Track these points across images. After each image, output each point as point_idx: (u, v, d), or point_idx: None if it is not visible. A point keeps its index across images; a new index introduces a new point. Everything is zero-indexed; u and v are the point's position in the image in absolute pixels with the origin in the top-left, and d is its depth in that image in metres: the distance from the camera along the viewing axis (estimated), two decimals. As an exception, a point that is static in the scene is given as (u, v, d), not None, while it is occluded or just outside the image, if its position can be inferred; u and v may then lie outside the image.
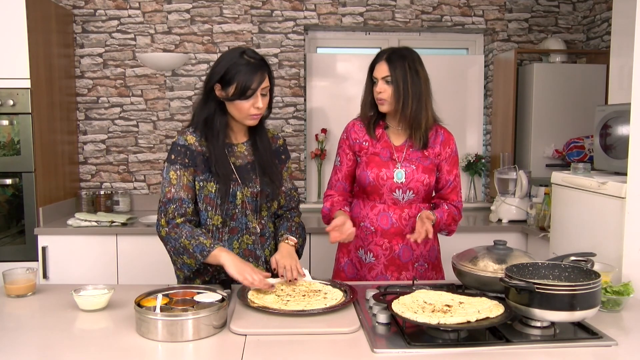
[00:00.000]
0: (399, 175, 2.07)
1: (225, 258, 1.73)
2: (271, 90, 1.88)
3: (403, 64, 2.02)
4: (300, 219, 2.08)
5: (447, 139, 2.16)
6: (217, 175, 1.83)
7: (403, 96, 2.02)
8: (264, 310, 1.59)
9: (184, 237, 1.78)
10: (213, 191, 1.85)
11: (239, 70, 1.78)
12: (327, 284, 1.83)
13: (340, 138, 2.23)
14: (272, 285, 1.73)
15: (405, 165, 2.09)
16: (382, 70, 2.04)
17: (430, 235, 1.95)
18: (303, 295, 1.71)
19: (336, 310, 1.61)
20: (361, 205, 2.15)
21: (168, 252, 1.86)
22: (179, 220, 1.81)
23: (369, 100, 2.12)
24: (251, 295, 1.69)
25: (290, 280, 1.80)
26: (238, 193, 1.87)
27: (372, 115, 2.14)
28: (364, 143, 2.14)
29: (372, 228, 2.11)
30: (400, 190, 2.08)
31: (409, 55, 2.06)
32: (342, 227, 1.93)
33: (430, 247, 2.17)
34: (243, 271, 1.70)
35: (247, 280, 1.68)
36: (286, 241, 1.92)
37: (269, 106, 1.92)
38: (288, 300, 1.66)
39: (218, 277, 1.92)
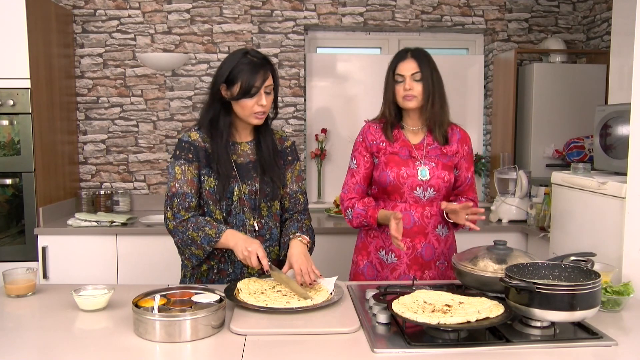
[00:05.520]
0: (423, 172, 2.07)
1: (232, 242, 1.80)
2: (275, 90, 1.91)
3: (429, 61, 2.08)
4: (310, 223, 2.07)
5: (464, 136, 2.19)
6: (218, 173, 1.89)
7: (432, 92, 2.06)
8: (266, 310, 1.59)
9: (191, 230, 1.84)
10: (212, 186, 1.90)
11: (242, 69, 1.83)
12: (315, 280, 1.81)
13: (355, 141, 2.20)
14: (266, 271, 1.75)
15: (426, 163, 2.09)
16: (410, 67, 2.05)
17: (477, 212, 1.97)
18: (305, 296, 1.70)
19: (336, 306, 1.60)
20: (381, 206, 2.13)
21: (175, 243, 1.91)
22: (185, 215, 1.87)
23: (392, 100, 2.11)
24: (246, 298, 1.66)
25: (309, 284, 1.77)
26: (235, 190, 1.91)
27: (394, 115, 2.12)
28: (381, 144, 2.13)
29: None
30: (422, 187, 2.07)
31: (429, 54, 2.11)
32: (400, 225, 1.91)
33: (450, 245, 2.17)
34: (245, 250, 1.76)
35: (247, 262, 1.76)
36: (299, 238, 1.89)
37: (275, 106, 1.96)
38: (291, 299, 1.66)
39: (221, 264, 1.94)
